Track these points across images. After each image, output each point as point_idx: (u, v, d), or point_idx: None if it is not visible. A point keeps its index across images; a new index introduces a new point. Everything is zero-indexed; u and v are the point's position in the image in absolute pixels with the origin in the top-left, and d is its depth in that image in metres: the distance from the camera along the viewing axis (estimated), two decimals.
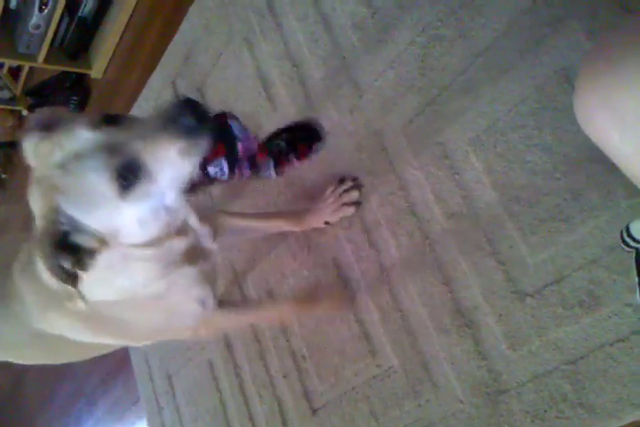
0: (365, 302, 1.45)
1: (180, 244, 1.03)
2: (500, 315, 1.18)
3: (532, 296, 1.14)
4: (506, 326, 1.18)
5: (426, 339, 1.31)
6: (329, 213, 1.50)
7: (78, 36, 2.63)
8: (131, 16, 2.49)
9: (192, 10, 2.09)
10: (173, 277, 1.07)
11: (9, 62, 3.16)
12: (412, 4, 1.38)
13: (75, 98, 2.78)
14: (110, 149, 0.81)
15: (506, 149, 1.20)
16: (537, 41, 1.18)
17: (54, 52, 2.67)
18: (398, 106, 1.39)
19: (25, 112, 3.48)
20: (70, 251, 0.84)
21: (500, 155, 1.21)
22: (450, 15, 1.31)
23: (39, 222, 0.84)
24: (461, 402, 1.24)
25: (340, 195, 1.48)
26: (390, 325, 1.38)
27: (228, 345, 1.88)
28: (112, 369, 2.51)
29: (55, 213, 0.83)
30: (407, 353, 1.34)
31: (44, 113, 0.98)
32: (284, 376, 1.65)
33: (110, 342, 1.25)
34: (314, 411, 1.57)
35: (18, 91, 3.40)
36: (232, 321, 1.53)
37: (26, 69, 3.32)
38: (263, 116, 1.79)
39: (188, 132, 0.82)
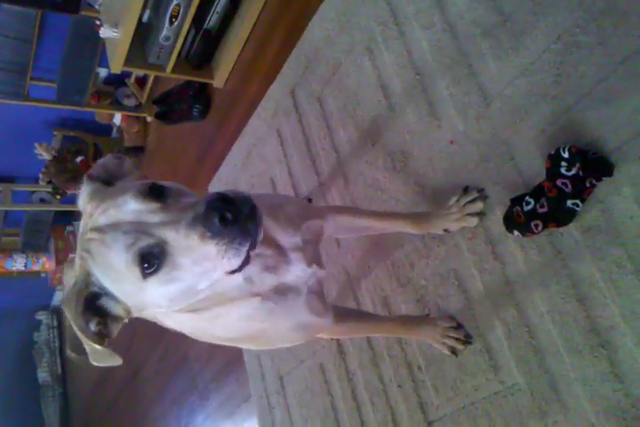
0: (488, 316, 1.42)
1: (268, 281, 1.02)
2: None
3: None
4: None
5: (555, 358, 1.25)
6: (450, 221, 1.49)
7: (203, 48, 2.77)
8: (253, 28, 2.59)
9: (313, 21, 2.14)
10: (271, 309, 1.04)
11: (139, 72, 3.39)
12: (547, 11, 1.34)
13: (197, 106, 2.93)
14: (143, 230, 0.79)
15: None
16: None
17: (180, 63, 2.83)
18: (530, 115, 1.35)
19: (149, 119, 3.73)
20: (97, 313, 0.86)
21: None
22: (590, 22, 1.26)
23: (74, 282, 0.86)
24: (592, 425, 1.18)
25: (463, 205, 1.46)
26: (515, 341, 1.34)
27: (341, 351, 1.90)
28: (225, 367, 2.61)
29: (88, 276, 0.85)
30: (534, 371, 1.29)
31: (109, 163, 0.98)
32: (399, 386, 1.65)
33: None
34: (429, 423, 1.55)
35: (144, 99, 3.65)
36: (348, 333, 1.54)
37: (151, 79, 3.56)
38: (382, 126, 1.80)
39: (220, 234, 0.77)
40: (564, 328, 1.24)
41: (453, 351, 1.48)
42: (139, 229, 0.80)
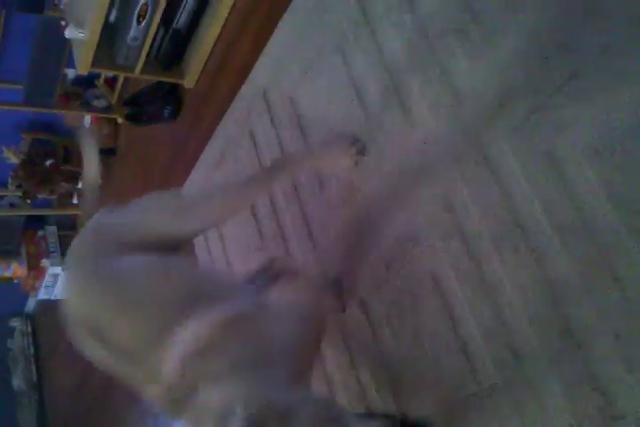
0: (463, 315, 1.41)
1: None
2: (617, 335, 1.11)
3: None
4: (623, 348, 1.11)
5: (531, 360, 1.25)
6: None
7: (172, 48, 2.73)
8: (223, 28, 2.55)
9: (283, 21, 2.11)
10: None
11: (107, 73, 3.33)
12: (518, 9, 1.33)
13: (168, 107, 2.88)
14: None
15: (624, 159, 1.13)
16: None
17: (150, 63, 2.78)
18: (502, 114, 1.34)
19: (120, 120, 3.66)
20: None
21: (617, 166, 1.13)
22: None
23: None
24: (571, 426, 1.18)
25: None
26: (492, 339, 1.33)
27: None
28: None
29: None
30: (508, 371, 1.29)
31: None
32: None
33: None
34: None
35: (114, 100, 3.58)
36: None
37: (121, 80, 3.49)
38: (356, 125, 1.78)
39: None
40: (541, 329, 1.24)
41: None
42: None
